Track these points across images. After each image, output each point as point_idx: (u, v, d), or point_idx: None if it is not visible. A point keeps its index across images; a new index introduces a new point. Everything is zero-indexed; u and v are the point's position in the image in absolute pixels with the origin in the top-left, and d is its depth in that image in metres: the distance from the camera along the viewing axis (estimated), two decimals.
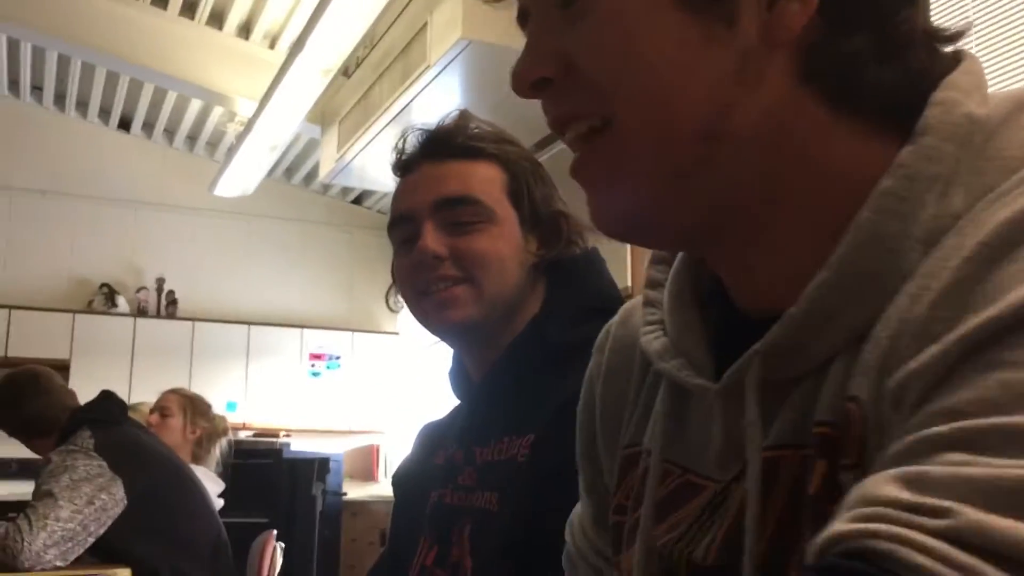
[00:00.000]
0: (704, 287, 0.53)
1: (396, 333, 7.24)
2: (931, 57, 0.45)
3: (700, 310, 0.53)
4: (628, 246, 4.27)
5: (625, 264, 4.07)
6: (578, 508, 0.69)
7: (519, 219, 1.03)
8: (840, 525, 0.31)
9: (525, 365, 1.00)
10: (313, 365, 6.98)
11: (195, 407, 3.10)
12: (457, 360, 1.10)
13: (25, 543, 2.10)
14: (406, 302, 1.06)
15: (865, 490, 0.32)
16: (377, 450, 6.88)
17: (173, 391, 3.16)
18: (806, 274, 0.44)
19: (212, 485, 2.84)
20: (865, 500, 0.32)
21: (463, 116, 1.06)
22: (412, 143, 1.07)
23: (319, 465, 5.37)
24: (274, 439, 5.92)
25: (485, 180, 1.03)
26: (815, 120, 0.45)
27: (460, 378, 1.09)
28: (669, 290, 0.55)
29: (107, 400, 2.54)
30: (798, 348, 0.44)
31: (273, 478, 5.14)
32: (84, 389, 2.64)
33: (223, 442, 3.11)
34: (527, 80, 0.49)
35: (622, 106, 0.46)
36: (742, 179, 0.46)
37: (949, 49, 0.46)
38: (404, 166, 1.08)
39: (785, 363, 0.45)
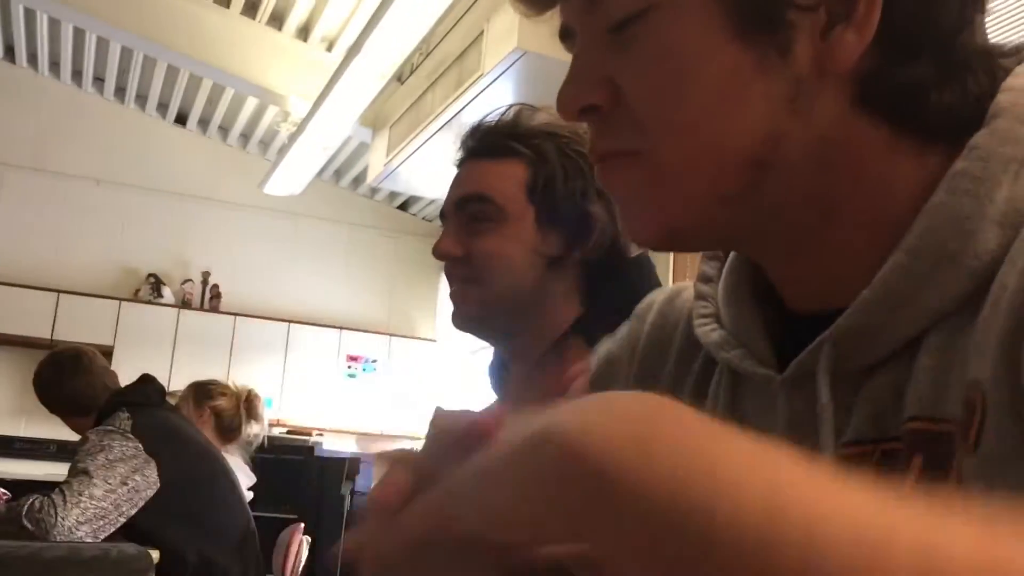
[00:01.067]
0: (759, 282, 0.53)
1: (433, 340, 7.26)
2: (990, 75, 0.45)
3: (756, 304, 0.52)
4: (672, 253, 4.27)
5: (668, 268, 4.06)
6: None
7: (536, 217, 1.02)
8: None
9: (564, 364, 0.99)
10: (349, 367, 7.02)
11: (198, 390, 3.04)
12: (498, 355, 1.10)
13: (59, 518, 2.13)
14: None
15: None
16: None
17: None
18: (860, 276, 0.44)
19: (243, 477, 2.85)
20: None
21: (517, 112, 1.06)
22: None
23: (349, 465, 5.38)
24: (307, 437, 5.96)
25: (503, 177, 1.02)
26: (871, 141, 0.44)
27: (499, 374, 1.09)
28: (724, 283, 0.54)
29: (146, 384, 2.57)
30: (870, 333, 0.44)
31: (303, 475, 5.16)
32: (125, 376, 2.67)
33: (253, 425, 3.03)
34: (575, 107, 0.48)
35: (669, 142, 0.46)
36: (791, 200, 0.46)
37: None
38: (457, 163, 1.09)
39: (856, 350, 0.44)
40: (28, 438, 6.04)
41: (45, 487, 2.31)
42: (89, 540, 2.18)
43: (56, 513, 2.13)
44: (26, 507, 2.14)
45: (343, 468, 5.32)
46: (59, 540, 2.13)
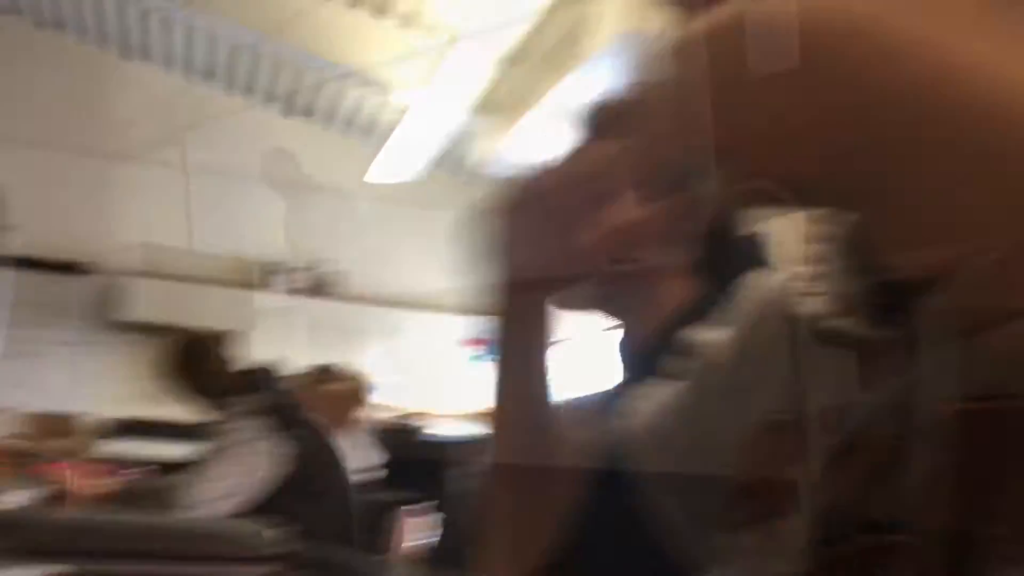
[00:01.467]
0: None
1: None
2: None
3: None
4: None
5: None
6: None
7: None
8: None
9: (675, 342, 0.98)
10: (474, 351, 7.05)
11: (314, 376, 3.11)
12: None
13: (191, 496, 2.24)
14: None
15: None
16: None
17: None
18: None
19: (358, 458, 2.91)
20: None
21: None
22: None
23: (463, 448, 5.44)
24: (420, 421, 6.06)
25: None
26: None
27: (624, 349, 1.09)
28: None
29: (265, 369, 2.67)
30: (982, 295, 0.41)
31: (433, 459, 5.23)
32: (245, 363, 2.78)
33: (368, 409, 3.08)
34: None
35: None
36: None
37: None
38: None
39: (968, 313, 0.42)
40: (163, 421, 6.33)
41: (170, 468, 2.43)
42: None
43: (189, 492, 2.24)
44: (163, 485, 2.26)
45: (456, 451, 5.38)
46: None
